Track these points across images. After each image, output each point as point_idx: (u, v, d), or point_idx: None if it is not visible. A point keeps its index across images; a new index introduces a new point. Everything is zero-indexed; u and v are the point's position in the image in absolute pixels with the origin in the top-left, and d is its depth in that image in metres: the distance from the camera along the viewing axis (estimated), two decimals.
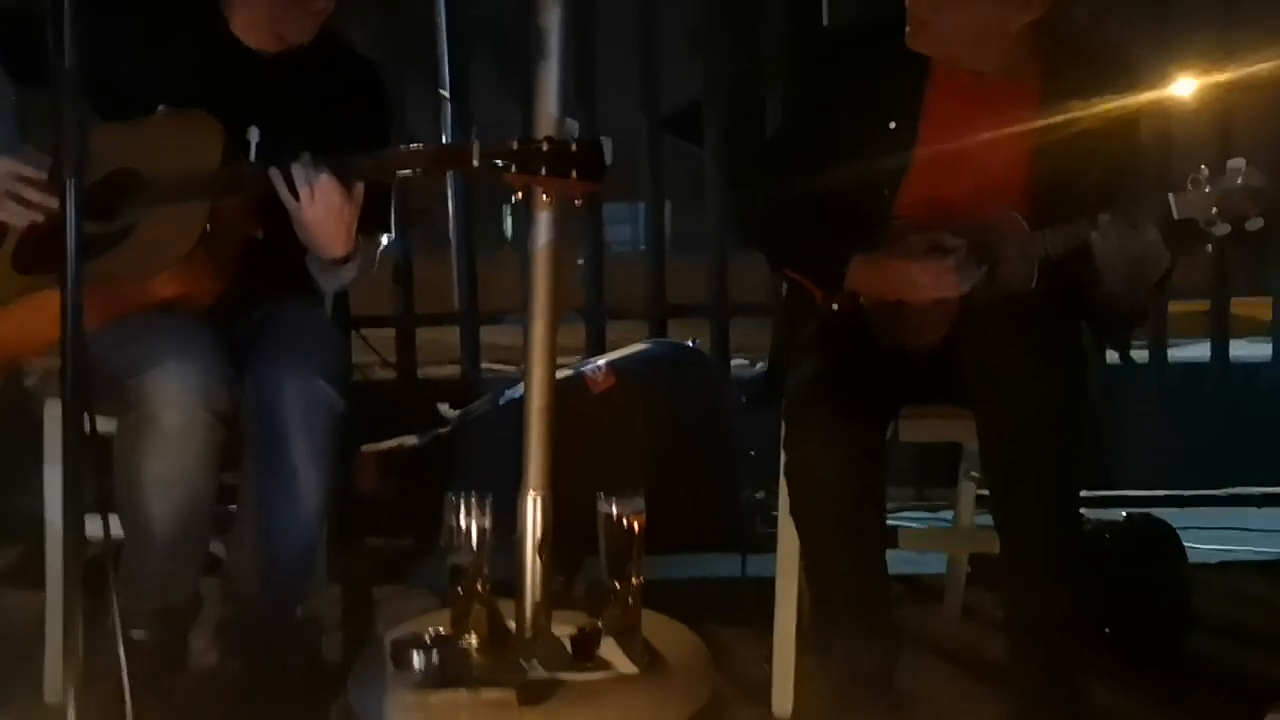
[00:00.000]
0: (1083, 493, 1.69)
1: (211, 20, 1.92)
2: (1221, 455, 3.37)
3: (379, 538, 2.91)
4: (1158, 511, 3.11)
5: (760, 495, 2.81)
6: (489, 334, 3.54)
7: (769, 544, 1.99)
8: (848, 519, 1.64)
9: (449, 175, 3.43)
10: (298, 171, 1.70)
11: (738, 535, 2.68)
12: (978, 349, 1.67)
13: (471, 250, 3.57)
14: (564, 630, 1.86)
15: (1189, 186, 1.65)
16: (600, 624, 1.82)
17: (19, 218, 1.76)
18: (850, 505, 1.64)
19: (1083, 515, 2.16)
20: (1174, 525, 2.21)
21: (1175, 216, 1.63)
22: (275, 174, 1.72)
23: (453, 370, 3.68)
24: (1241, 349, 3.67)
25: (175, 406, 1.62)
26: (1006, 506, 1.68)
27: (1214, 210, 1.62)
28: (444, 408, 2.93)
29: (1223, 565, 2.71)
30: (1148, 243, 1.63)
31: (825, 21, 3.32)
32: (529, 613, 1.84)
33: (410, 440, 2.88)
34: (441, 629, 1.80)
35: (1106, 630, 2.07)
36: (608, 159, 1.64)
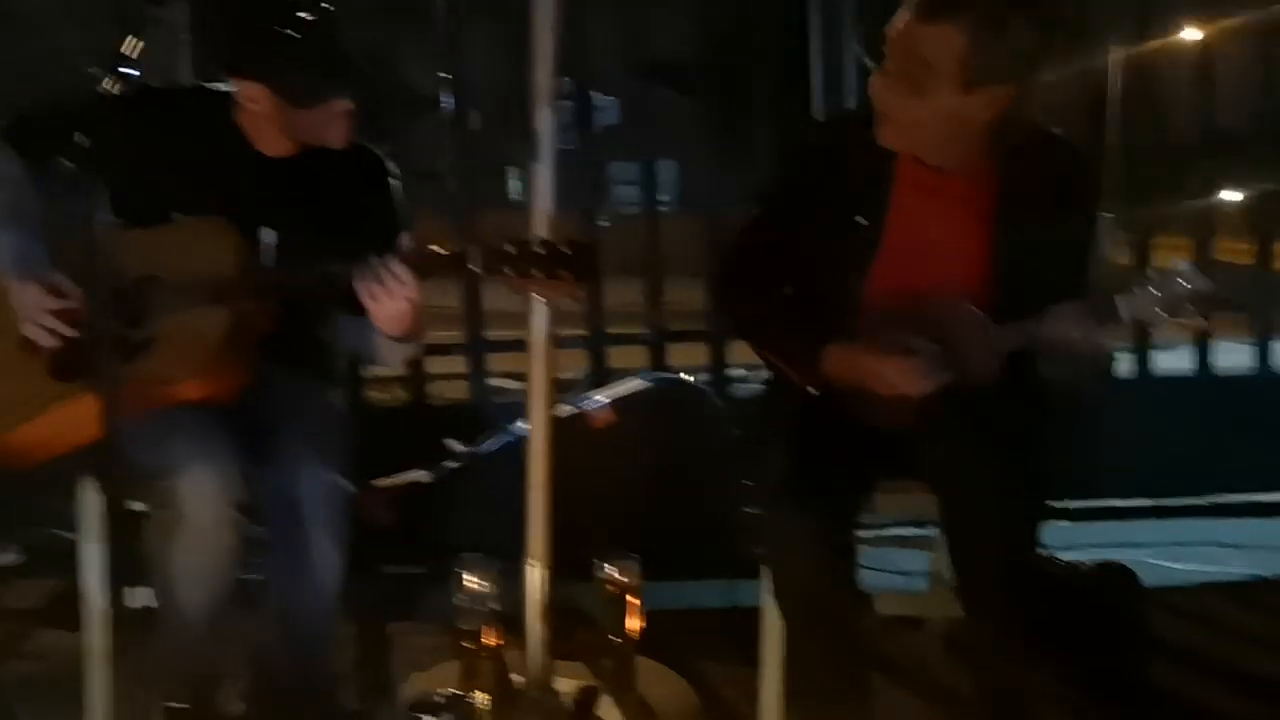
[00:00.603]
0: (1065, 504, 1.80)
1: (225, 128, 2.02)
2: (1204, 465, 3.49)
3: (392, 566, 3.05)
4: (1141, 525, 3.29)
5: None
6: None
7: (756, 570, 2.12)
8: (824, 612, 1.78)
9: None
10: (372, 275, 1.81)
11: (731, 563, 2.81)
12: (938, 436, 1.80)
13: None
14: (567, 685, 2.01)
15: (1134, 290, 1.76)
16: (599, 683, 1.97)
17: (42, 339, 1.88)
18: (826, 600, 1.77)
19: (1053, 557, 2.33)
20: (1152, 542, 2.28)
21: (1121, 318, 1.75)
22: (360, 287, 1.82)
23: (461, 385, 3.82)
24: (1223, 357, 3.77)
25: (200, 508, 1.77)
26: (966, 586, 1.81)
27: (1159, 311, 1.74)
28: (452, 443, 3.07)
29: (1200, 588, 2.81)
30: (1095, 341, 1.76)
31: None
32: (534, 672, 1.99)
33: (420, 475, 3.02)
34: (452, 690, 1.96)
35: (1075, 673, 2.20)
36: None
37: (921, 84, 1.80)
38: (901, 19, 1.83)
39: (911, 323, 1.87)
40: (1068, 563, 2.34)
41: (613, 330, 3.59)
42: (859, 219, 1.91)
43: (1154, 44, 3.58)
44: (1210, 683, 2.35)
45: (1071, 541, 2.96)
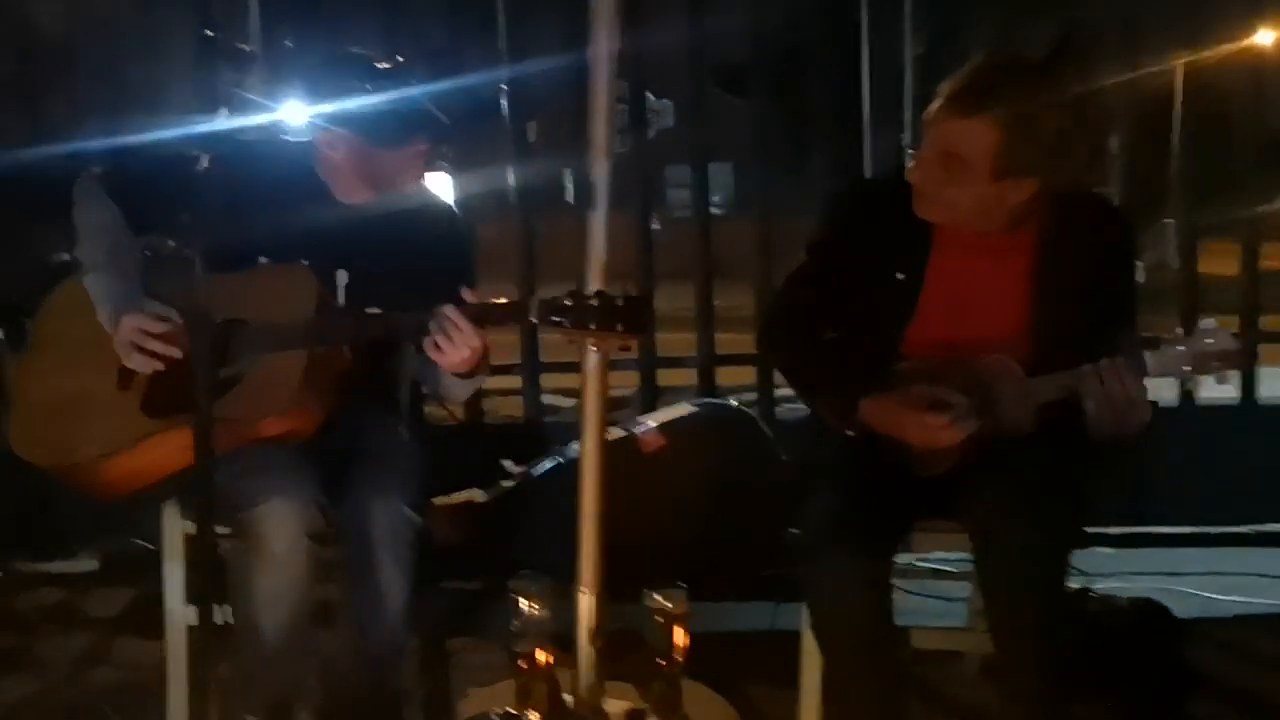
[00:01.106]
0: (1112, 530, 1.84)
1: (307, 178, 2.16)
2: (1248, 493, 3.51)
3: (450, 582, 3.18)
4: (1185, 552, 3.31)
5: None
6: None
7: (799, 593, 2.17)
8: (861, 647, 1.86)
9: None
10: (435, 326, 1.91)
11: (774, 585, 2.90)
12: (975, 481, 1.87)
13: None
14: (616, 706, 2.11)
15: (1161, 346, 1.83)
16: (646, 706, 2.07)
17: (143, 366, 2.02)
18: (863, 635, 1.85)
19: (1088, 592, 2.39)
20: (1194, 570, 2.25)
21: (1150, 374, 1.82)
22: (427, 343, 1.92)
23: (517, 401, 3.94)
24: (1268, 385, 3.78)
25: (280, 538, 1.91)
26: (998, 627, 1.89)
27: (1188, 368, 1.81)
28: (508, 464, 3.19)
29: (1238, 619, 2.84)
30: (1132, 395, 1.82)
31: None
32: (584, 694, 2.09)
33: (478, 495, 3.15)
34: (507, 707, 2.07)
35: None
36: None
37: (954, 173, 1.88)
38: (934, 109, 1.90)
39: (947, 375, 1.94)
40: (1102, 598, 2.40)
41: (663, 355, 3.69)
42: (898, 275, 1.99)
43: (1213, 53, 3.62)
44: (1249, 716, 2.38)
45: (1113, 568, 3.03)
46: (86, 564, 3.35)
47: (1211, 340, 1.80)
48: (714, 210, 4.08)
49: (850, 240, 2.06)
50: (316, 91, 2.13)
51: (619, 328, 1.80)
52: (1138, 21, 3.65)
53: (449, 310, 1.89)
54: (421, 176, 2.18)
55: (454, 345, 1.90)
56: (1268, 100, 3.85)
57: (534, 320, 1.84)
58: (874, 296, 2.01)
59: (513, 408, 4.01)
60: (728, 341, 3.77)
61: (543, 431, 3.57)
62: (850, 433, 1.98)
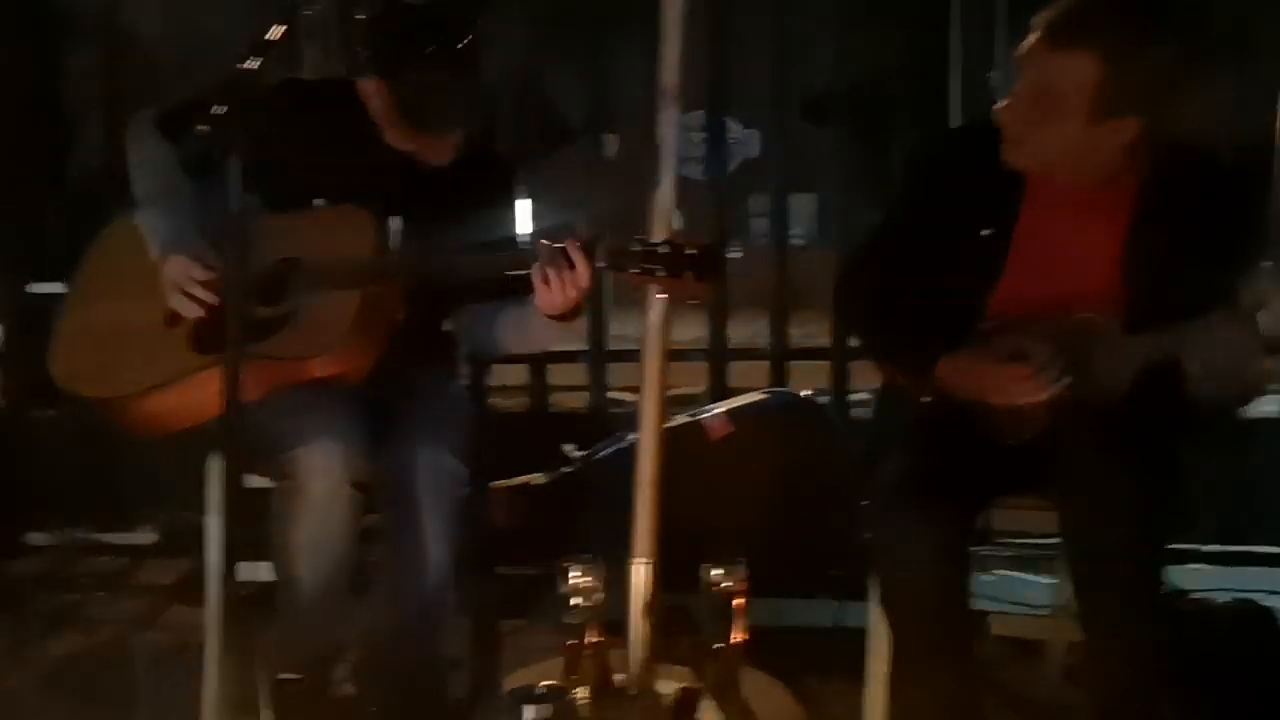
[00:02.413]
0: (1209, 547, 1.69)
1: (361, 121, 2.11)
2: None
3: (508, 567, 3.10)
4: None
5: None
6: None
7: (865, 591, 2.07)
8: (932, 623, 1.74)
9: None
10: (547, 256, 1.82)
11: (841, 582, 2.77)
12: (1064, 451, 1.73)
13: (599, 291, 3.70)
14: (668, 687, 2.00)
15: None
16: (701, 684, 1.96)
17: (187, 309, 1.98)
18: (934, 610, 1.73)
19: (1186, 593, 2.22)
20: None
21: (1260, 334, 1.67)
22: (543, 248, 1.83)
23: (583, 396, 3.87)
24: None
25: (321, 480, 1.84)
26: (1087, 609, 1.74)
27: None
28: (569, 448, 3.11)
29: None
30: (1242, 357, 1.67)
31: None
32: (635, 670, 1.99)
33: (538, 478, 3.06)
34: (554, 681, 1.97)
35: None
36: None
37: (1049, 112, 1.75)
38: (1030, 42, 1.77)
39: (1036, 333, 1.81)
40: (1199, 600, 2.23)
41: (735, 346, 3.60)
42: (984, 231, 1.87)
43: None
44: None
45: (1210, 585, 2.85)
46: (146, 536, 3.37)
47: None
48: (797, 240, 3.98)
49: (933, 193, 1.94)
50: (374, 39, 2.07)
51: (689, 275, 1.72)
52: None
53: (569, 242, 1.80)
54: (448, 158, 2.10)
55: (562, 284, 1.80)
56: None
57: (600, 265, 1.77)
58: (958, 253, 1.88)
59: (577, 401, 3.94)
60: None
61: (607, 421, 3.48)
62: (928, 398, 1.86)
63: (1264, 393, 1.77)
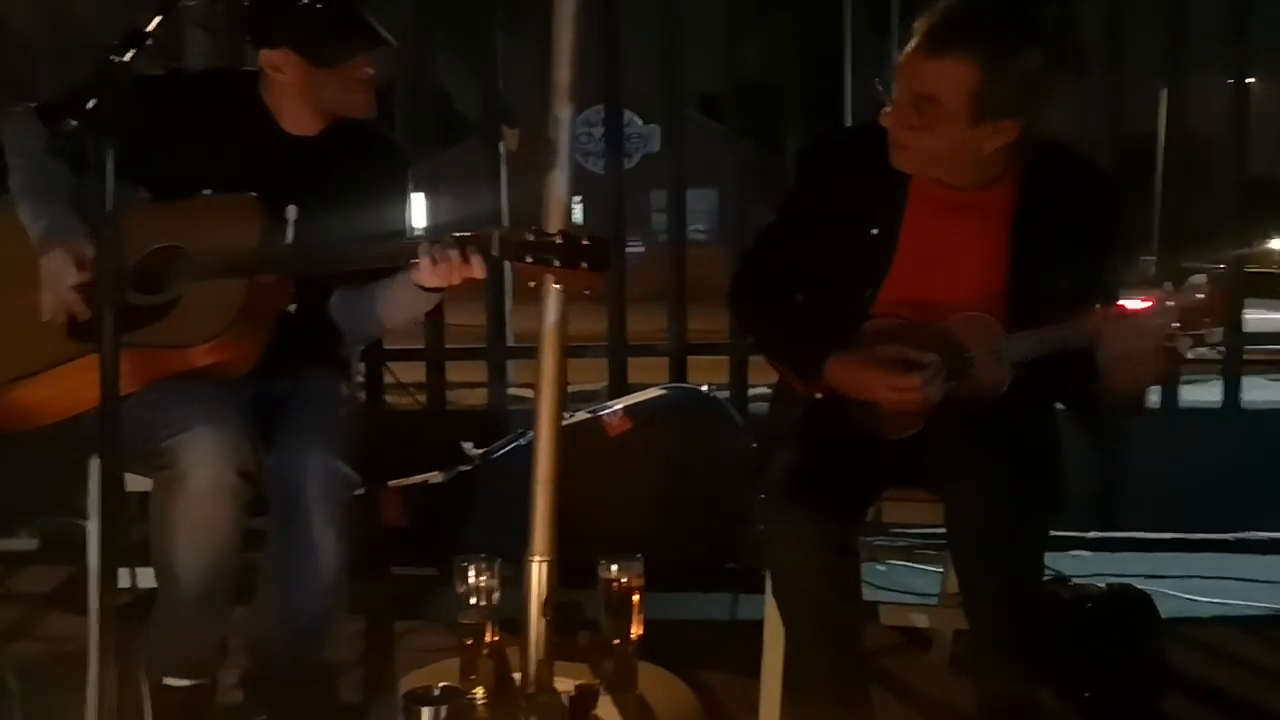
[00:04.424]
0: (1090, 534, 1.73)
1: (253, 108, 2.06)
2: (1228, 499, 3.43)
3: (404, 567, 3.05)
4: (1163, 557, 3.24)
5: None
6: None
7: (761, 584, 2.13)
8: (823, 613, 1.75)
9: None
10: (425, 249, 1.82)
11: (736, 576, 2.80)
12: (945, 446, 1.77)
13: (500, 288, 3.67)
14: (566, 684, 1.99)
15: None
16: (599, 683, 1.95)
17: (58, 311, 1.90)
18: (825, 600, 1.74)
19: (1065, 579, 2.29)
20: (1172, 574, 2.22)
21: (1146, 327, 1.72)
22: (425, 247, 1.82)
23: (483, 393, 3.83)
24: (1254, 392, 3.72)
25: (204, 468, 1.77)
26: (970, 598, 1.78)
27: (1176, 325, 1.71)
28: (468, 446, 3.07)
29: (1217, 620, 2.77)
30: (1148, 339, 1.71)
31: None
32: (532, 670, 1.97)
33: (435, 476, 3.02)
34: (450, 683, 1.94)
35: (1086, 695, 2.16)
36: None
37: (929, 118, 1.78)
38: (908, 50, 1.80)
39: (919, 333, 1.85)
40: (1078, 585, 2.30)
41: (635, 341, 3.60)
42: (873, 230, 1.90)
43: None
44: (1226, 716, 2.29)
45: (1091, 570, 2.95)
46: (25, 543, 3.24)
47: (1202, 295, 1.70)
48: (698, 236, 4.00)
49: (822, 194, 1.96)
50: (259, 7, 2.03)
51: (584, 265, 1.73)
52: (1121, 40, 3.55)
53: (445, 239, 1.80)
54: (370, 106, 2.07)
55: (450, 271, 1.80)
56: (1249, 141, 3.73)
57: (496, 254, 1.77)
58: (846, 253, 1.91)
59: (476, 398, 3.91)
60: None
61: (506, 419, 3.45)
62: (817, 395, 1.88)
63: (1156, 385, 1.82)
